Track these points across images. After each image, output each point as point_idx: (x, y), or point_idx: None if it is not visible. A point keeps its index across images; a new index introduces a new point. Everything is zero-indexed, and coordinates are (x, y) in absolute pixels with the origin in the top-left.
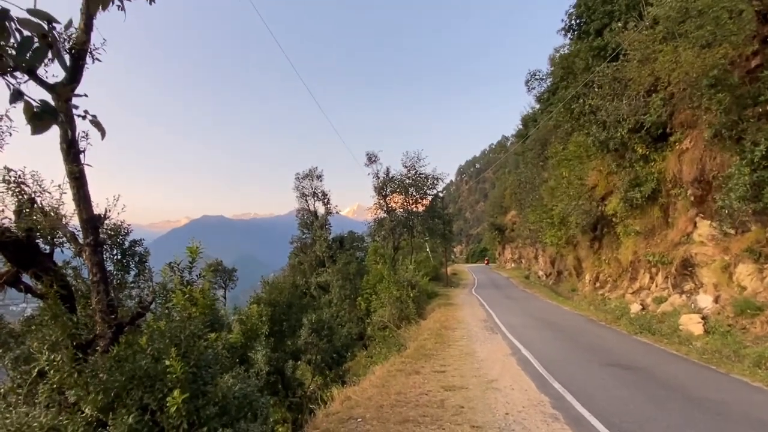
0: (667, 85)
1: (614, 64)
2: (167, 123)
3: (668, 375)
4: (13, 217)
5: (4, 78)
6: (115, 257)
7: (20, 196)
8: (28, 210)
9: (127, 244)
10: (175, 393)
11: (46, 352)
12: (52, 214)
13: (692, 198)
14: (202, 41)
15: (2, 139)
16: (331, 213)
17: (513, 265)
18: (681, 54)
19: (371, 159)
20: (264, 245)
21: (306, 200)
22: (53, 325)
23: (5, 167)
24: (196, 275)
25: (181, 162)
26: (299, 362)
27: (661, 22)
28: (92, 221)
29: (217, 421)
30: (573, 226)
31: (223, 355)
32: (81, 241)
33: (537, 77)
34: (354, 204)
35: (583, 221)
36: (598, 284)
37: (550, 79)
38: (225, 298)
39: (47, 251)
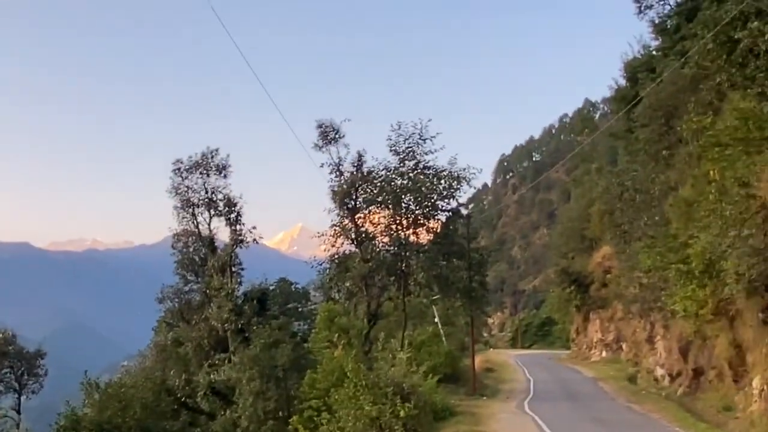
0: None
1: None
2: None
3: None
4: None
5: None
6: None
7: None
8: None
9: None
10: None
11: None
12: None
13: None
14: None
15: None
16: (243, 241)
17: (605, 354)
18: None
19: (327, 135)
20: (110, 303)
21: (194, 215)
22: None
23: None
24: None
25: None
26: None
27: None
28: None
29: None
30: (731, 279)
31: None
32: None
33: None
34: (292, 227)
35: (750, 270)
36: None
37: None
38: (19, 411)
39: None
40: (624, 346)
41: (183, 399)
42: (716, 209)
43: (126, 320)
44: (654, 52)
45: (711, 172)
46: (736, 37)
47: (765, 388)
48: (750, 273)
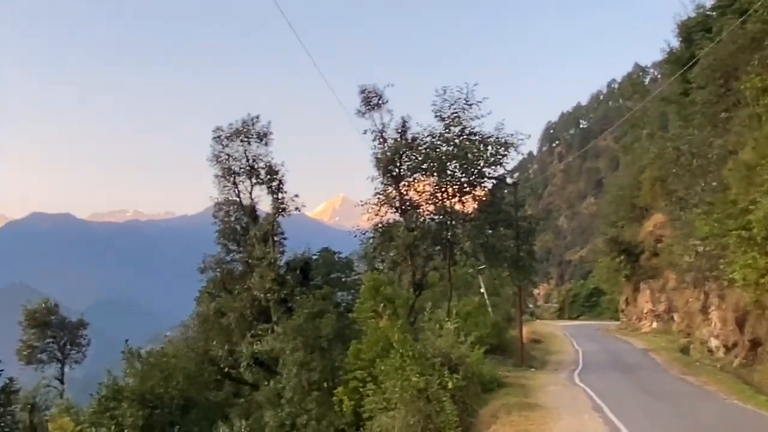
0: None
1: None
2: None
3: None
4: None
5: None
6: None
7: None
8: None
9: None
10: None
11: None
12: None
13: None
14: None
15: None
16: (286, 210)
17: (656, 324)
18: None
19: (370, 101)
20: (151, 274)
21: (235, 183)
22: None
23: None
24: None
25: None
26: None
27: None
28: None
29: None
30: None
31: None
32: None
33: None
34: (335, 197)
35: None
36: None
37: None
38: (62, 380)
39: None
40: (675, 316)
41: (226, 370)
42: None
43: (167, 291)
44: (710, 12)
45: None
46: None
47: None
48: None
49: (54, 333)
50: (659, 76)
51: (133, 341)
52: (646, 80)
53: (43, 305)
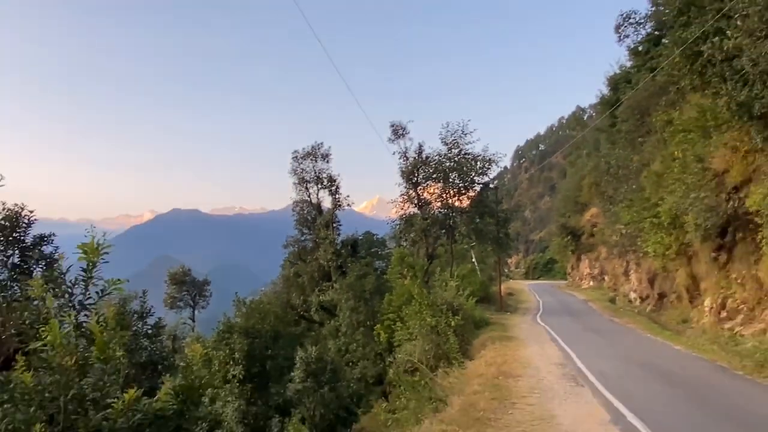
0: None
1: None
2: (125, 93)
3: None
4: None
5: None
6: (10, 260)
7: None
8: None
9: (29, 240)
10: None
11: None
12: None
13: None
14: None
15: None
16: (341, 206)
17: (592, 283)
18: None
19: (398, 132)
20: (252, 249)
21: (307, 188)
22: None
23: None
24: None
25: (146, 144)
26: (290, 419)
27: None
28: None
29: None
30: (690, 228)
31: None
32: None
33: (632, 21)
34: (373, 197)
35: (706, 222)
36: (724, 314)
37: (651, 25)
38: (193, 320)
39: None
40: (606, 278)
41: (302, 313)
42: (680, 178)
43: (263, 261)
44: (629, 69)
45: (675, 152)
46: (700, 50)
47: (714, 306)
48: (705, 224)
49: (187, 288)
50: (594, 113)
51: (240, 293)
52: (585, 116)
53: (181, 269)
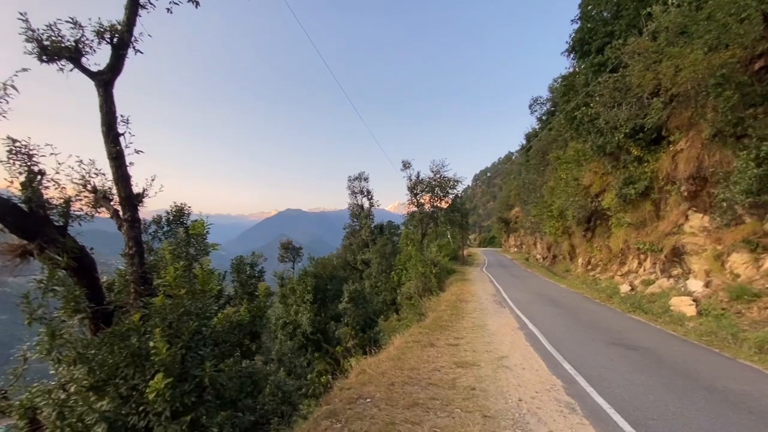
0: (669, 88)
1: (614, 75)
2: (266, 133)
3: (676, 358)
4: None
5: (51, 63)
6: (178, 236)
7: (29, 168)
8: (37, 182)
9: (189, 223)
10: (158, 377)
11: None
12: (66, 187)
13: (685, 193)
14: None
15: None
16: (373, 206)
17: (515, 250)
18: (688, 56)
19: (405, 165)
20: (330, 232)
21: (356, 197)
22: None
23: (8, 137)
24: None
25: (277, 163)
26: (340, 324)
27: (660, 36)
28: (130, 199)
29: (209, 408)
30: (570, 218)
31: (222, 336)
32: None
33: (539, 102)
34: (395, 201)
35: (579, 214)
36: (589, 267)
37: (549, 104)
38: (294, 268)
39: (60, 224)
40: (523, 246)
41: (352, 265)
42: (564, 190)
43: (335, 239)
44: (537, 128)
45: (561, 175)
46: (575, 114)
47: (583, 262)
48: (578, 216)
49: (290, 252)
50: (518, 155)
51: (316, 255)
52: (513, 156)
53: (288, 241)
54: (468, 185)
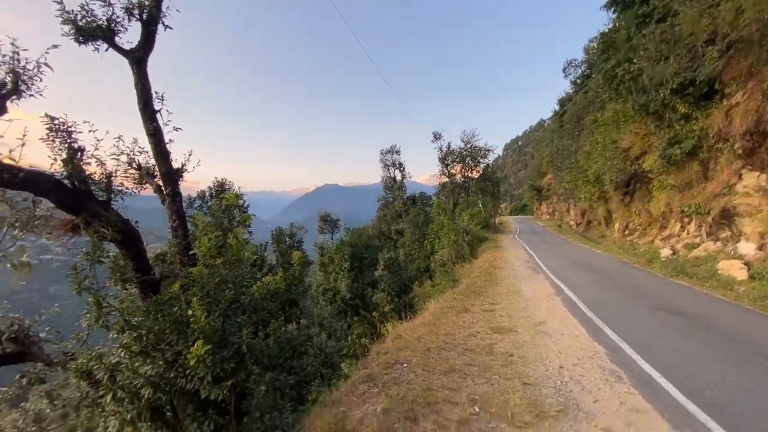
0: (727, 34)
1: (662, 25)
2: (306, 112)
3: (728, 324)
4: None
5: (86, 44)
6: (219, 209)
7: (69, 145)
8: (77, 158)
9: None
10: (198, 344)
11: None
12: (106, 163)
13: (740, 151)
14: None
15: (35, 83)
16: (405, 178)
17: (547, 217)
18: None
19: (436, 136)
20: (365, 204)
21: (388, 169)
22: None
23: (47, 115)
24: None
25: (315, 141)
26: (376, 290)
27: None
28: (170, 174)
29: (250, 372)
30: (607, 183)
31: (261, 304)
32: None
33: (573, 65)
34: (427, 173)
35: (617, 178)
36: (627, 232)
37: (584, 66)
38: (332, 239)
39: (103, 198)
40: (556, 214)
41: (387, 235)
42: (601, 154)
43: (370, 210)
44: (571, 92)
45: (598, 138)
46: (615, 72)
47: (620, 227)
48: (616, 180)
49: (328, 224)
50: (550, 122)
51: (352, 226)
52: (545, 123)
53: (326, 214)
54: (499, 155)
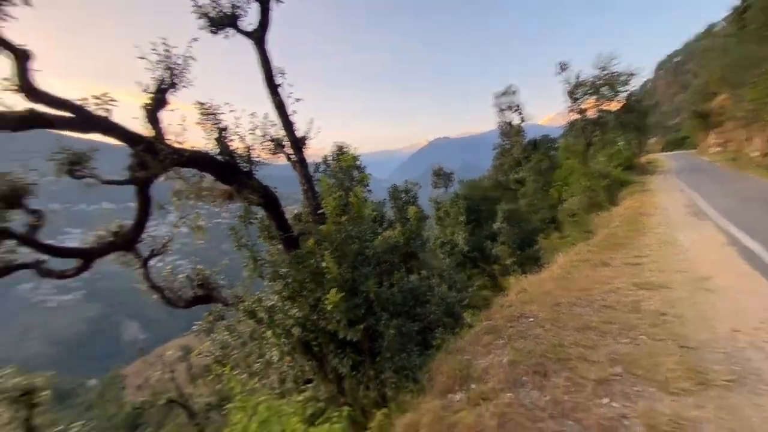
0: None
1: None
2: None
3: None
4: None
5: (216, 33)
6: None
7: (217, 126)
8: (222, 137)
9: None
10: (332, 292)
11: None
12: (245, 138)
13: None
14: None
15: None
16: (524, 121)
17: (717, 150)
18: None
19: (563, 67)
20: (479, 154)
21: (504, 114)
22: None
23: (197, 102)
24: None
25: (423, 93)
26: (495, 243)
27: None
28: (296, 143)
29: (379, 318)
30: None
31: (383, 256)
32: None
33: None
34: (551, 112)
35: None
36: None
37: None
38: (446, 192)
39: (246, 169)
40: (729, 144)
41: (505, 186)
42: None
43: (487, 161)
44: None
45: None
46: None
47: None
48: None
49: (442, 178)
50: (725, 23)
51: (466, 179)
52: (715, 28)
53: (439, 168)
54: (647, 79)
